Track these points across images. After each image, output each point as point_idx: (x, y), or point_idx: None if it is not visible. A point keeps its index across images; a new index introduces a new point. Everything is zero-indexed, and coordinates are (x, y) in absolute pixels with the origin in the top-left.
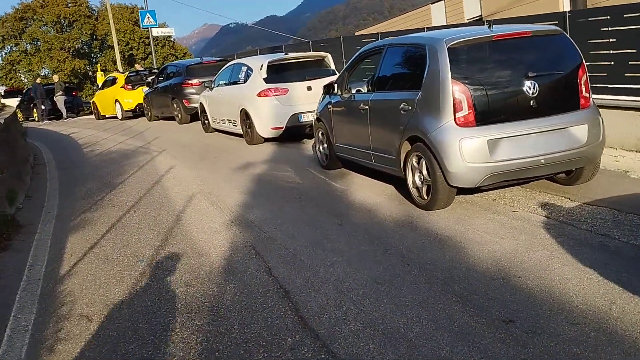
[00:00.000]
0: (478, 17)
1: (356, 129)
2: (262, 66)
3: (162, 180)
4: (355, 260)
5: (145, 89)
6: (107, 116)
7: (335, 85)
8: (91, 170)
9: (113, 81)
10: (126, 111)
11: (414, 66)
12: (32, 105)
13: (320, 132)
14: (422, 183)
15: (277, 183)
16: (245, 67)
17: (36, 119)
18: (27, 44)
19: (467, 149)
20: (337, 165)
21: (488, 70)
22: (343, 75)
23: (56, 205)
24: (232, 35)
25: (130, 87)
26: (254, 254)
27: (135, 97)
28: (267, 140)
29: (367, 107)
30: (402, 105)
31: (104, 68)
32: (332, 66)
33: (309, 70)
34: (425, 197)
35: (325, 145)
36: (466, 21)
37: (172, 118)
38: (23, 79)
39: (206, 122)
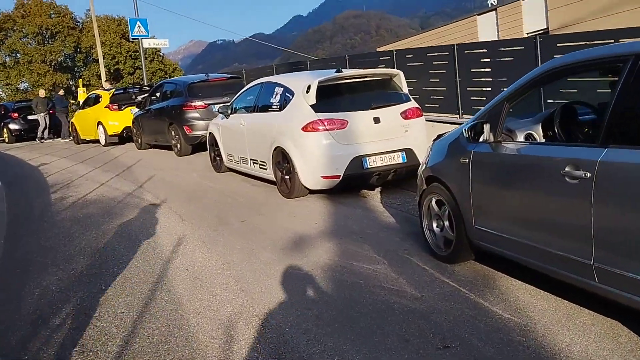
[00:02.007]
0: (542, 32)
1: (544, 211)
2: (309, 88)
3: (168, 276)
4: None
5: (135, 110)
6: (88, 140)
7: (486, 127)
8: (56, 242)
9: (96, 99)
10: (111, 136)
11: None
12: (1, 124)
13: (434, 201)
14: None
15: (372, 295)
16: (281, 89)
17: (6, 140)
18: (5, 55)
19: None
20: (465, 257)
21: None
22: (499, 108)
23: None
24: (219, 52)
25: (116, 107)
26: None
27: (122, 119)
28: (311, 191)
29: (583, 174)
30: None
31: (87, 82)
32: (405, 88)
33: (375, 94)
34: None
35: (447, 223)
36: (525, 36)
37: (167, 147)
38: (0, 92)
39: (217, 158)
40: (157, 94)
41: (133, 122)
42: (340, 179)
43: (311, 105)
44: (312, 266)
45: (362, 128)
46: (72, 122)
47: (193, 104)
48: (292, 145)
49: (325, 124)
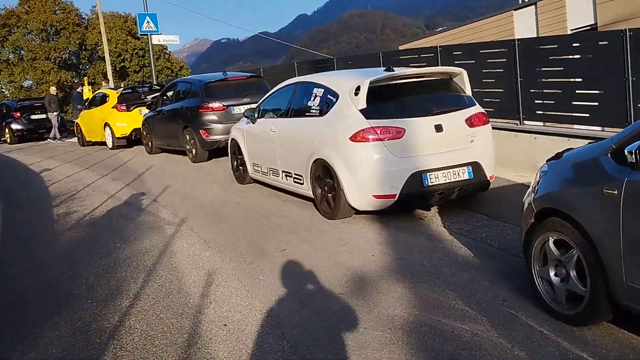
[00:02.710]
0: (589, 28)
1: None
2: (357, 89)
3: (202, 335)
4: None
5: (145, 110)
6: (93, 142)
7: None
8: (58, 275)
9: (103, 99)
10: (119, 138)
11: None
12: (3, 124)
13: (551, 242)
14: None
15: None
16: (322, 90)
17: (7, 141)
18: (9, 52)
19: None
20: (599, 318)
21: None
22: None
23: None
24: (223, 51)
25: (124, 107)
26: None
27: (130, 120)
28: (357, 211)
29: None
30: None
31: (92, 81)
32: (468, 89)
33: (435, 97)
34: None
35: (575, 273)
36: (569, 32)
37: (180, 152)
38: (4, 90)
39: (241, 168)
40: (170, 94)
41: (143, 124)
42: (396, 199)
43: (361, 110)
44: (387, 324)
45: (421, 138)
46: (77, 123)
47: (210, 105)
48: (336, 157)
49: (379, 132)
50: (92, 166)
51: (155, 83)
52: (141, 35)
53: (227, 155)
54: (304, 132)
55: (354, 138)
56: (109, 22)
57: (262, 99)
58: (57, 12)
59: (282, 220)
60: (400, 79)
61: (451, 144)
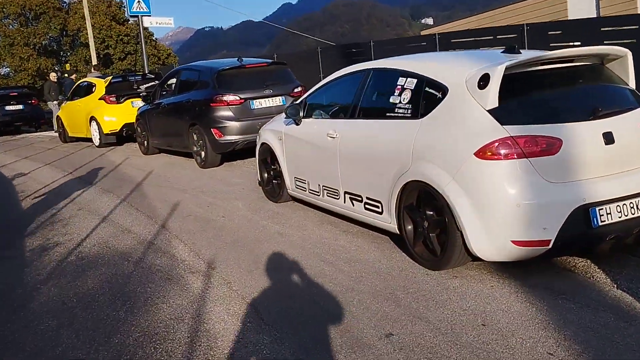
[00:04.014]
0: None
1: None
2: (484, 79)
3: None
4: None
5: (138, 102)
6: (77, 138)
7: None
8: None
9: (88, 89)
10: (107, 135)
11: None
12: None
13: None
14: None
15: None
16: (414, 80)
17: None
18: None
19: None
20: None
21: None
22: None
23: None
24: (207, 39)
25: (113, 99)
26: None
27: (121, 114)
28: (475, 258)
29: None
30: None
31: (74, 67)
32: (632, 79)
33: (592, 91)
34: None
35: None
36: None
37: (183, 152)
38: None
39: (274, 181)
40: (171, 85)
41: (137, 120)
42: (550, 246)
43: (490, 111)
44: None
45: (585, 153)
46: (58, 116)
47: (225, 98)
48: (450, 181)
49: (522, 145)
50: (76, 170)
51: (148, 71)
52: (131, 16)
53: (243, 159)
54: (386, 140)
55: (482, 153)
56: (91, 7)
57: (309, 92)
58: None
59: (356, 269)
60: (542, 64)
61: (627, 162)
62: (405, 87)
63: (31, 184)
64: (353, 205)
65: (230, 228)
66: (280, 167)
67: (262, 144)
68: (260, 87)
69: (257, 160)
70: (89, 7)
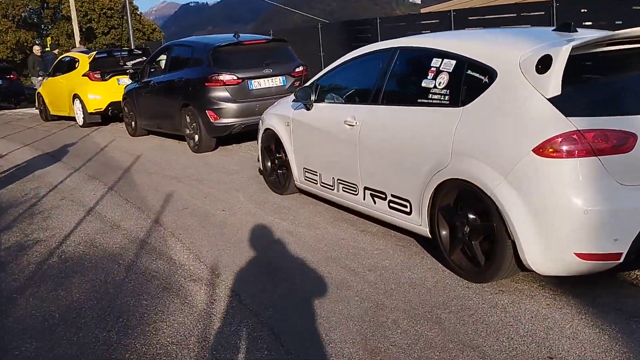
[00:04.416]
0: None
1: None
2: (544, 62)
3: None
4: None
5: (124, 80)
6: (60, 117)
7: None
8: None
9: (71, 64)
10: (91, 114)
11: None
12: None
13: None
14: None
15: None
16: (452, 62)
17: None
18: None
19: None
20: None
21: None
22: None
23: None
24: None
25: (98, 75)
26: None
27: (106, 92)
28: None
29: None
30: None
31: (56, 41)
32: None
33: None
34: None
35: None
36: None
37: (172, 135)
38: None
39: (279, 171)
40: (160, 61)
41: (124, 99)
42: (621, 260)
43: (551, 100)
44: None
45: None
46: (38, 93)
47: (221, 78)
48: (502, 182)
49: (590, 140)
50: (58, 152)
51: (134, 46)
52: None
53: (239, 143)
54: (418, 131)
55: (542, 150)
56: None
57: (322, 73)
58: None
59: (383, 278)
60: (610, 44)
61: None
62: (441, 69)
63: (8, 167)
64: (375, 202)
65: (233, 224)
66: (286, 156)
67: (266, 129)
68: (259, 66)
69: (260, 148)
70: None
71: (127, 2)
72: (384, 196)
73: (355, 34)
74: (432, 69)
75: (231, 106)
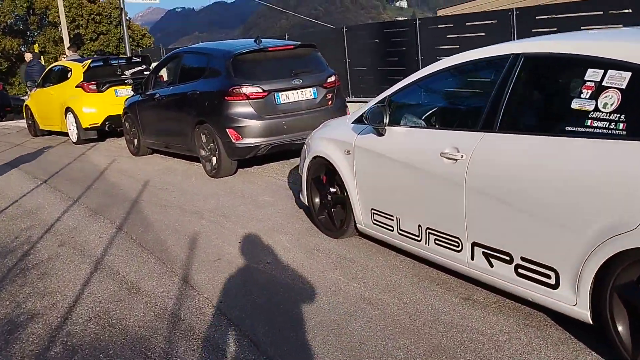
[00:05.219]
0: None
1: None
2: None
3: None
4: None
5: (123, 90)
6: (50, 132)
7: None
8: None
9: (63, 74)
10: (87, 129)
11: None
12: None
13: None
14: None
15: None
16: (627, 73)
17: None
18: None
19: None
20: None
21: None
22: None
23: None
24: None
25: (94, 86)
26: None
27: (103, 105)
28: None
29: None
30: None
31: (42, 48)
32: None
33: None
34: None
35: None
36: None
37: (179, 154)
38: None
39: (332, 210)
40: (168, 71)
41: (125, 113)
42: None
43: None
44: None
45: None
46: (26, 106)
47: (244, 90)
48: None
49: None
50: (52, 177)
51: (134, 55)
52: None
53: (261, 165)
54: (571, 172)
55: None
56: None
57: (397, 87)
58: None
59: None
60: None
61: None
62: (605, 84)
63: None
64: (491, 266)
65: (286, 286)
66: (345, 192)
67: (315, 157)
68: (286, 76)
69: (304, 179)
70: None
71: (122, 9)
72: (507, 258)
73: (389, 37)
74: (589, 84)
75: (256, 124)
